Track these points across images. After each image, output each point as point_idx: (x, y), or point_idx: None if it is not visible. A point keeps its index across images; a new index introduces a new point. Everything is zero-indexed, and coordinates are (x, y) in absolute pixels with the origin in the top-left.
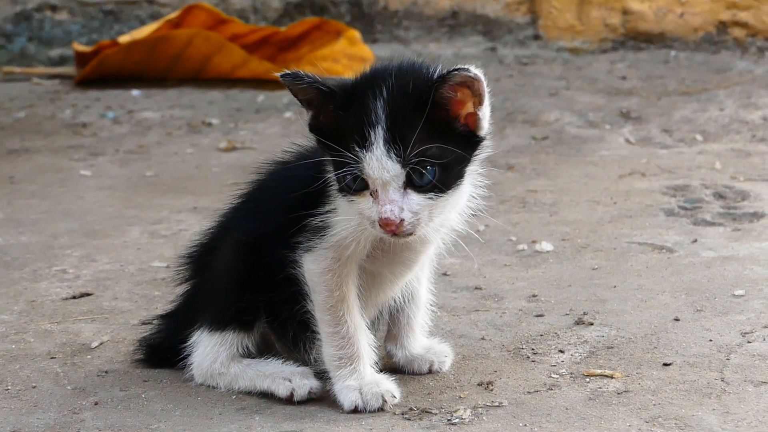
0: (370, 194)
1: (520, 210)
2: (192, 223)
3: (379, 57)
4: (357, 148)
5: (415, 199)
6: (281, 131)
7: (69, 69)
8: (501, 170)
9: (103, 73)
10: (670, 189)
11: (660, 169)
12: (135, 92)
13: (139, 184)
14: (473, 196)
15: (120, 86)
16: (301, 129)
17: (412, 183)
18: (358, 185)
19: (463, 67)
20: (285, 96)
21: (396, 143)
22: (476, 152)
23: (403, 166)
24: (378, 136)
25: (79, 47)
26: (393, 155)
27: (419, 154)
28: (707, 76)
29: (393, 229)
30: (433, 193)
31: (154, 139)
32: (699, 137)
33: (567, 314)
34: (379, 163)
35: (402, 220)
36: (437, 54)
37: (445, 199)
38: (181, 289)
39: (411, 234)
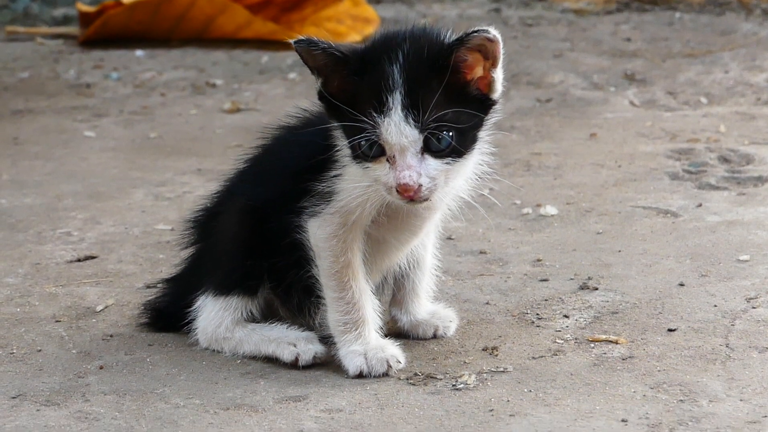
0: (387, 160)
1: (525, 173)
2: (196, 185)
3: (383, 18)
4: (374, 114)
5: (433, 164)
6: (285, 92)
7: (73, 29)
8: (505, 133)
9: (106, 33)
10: (675, 152)
11: (664, 132)
12: (139, 53)
13: (143, 145)
14: (479, 163)
15: (124, 46)
16: (306, 90)
17: (430, 148)
18: (375, 152)
19: (482, 28)
20: (289, 57)
21: (414, 108)
22: (489, 116)
23: (421, 131)
24: (396, 101)
25: (83, 7)
26: (411, 120)
27: (437, 119)
28: (712, 38)
29: (411, 195)
30: (450, 158)
31: (158, 100)
32: (704, 100)
33: (572, 279)
34: (398, 128)
35: (420, 186)
36: (441, 15)
37: (461, 163)
38: (186, 254)
39: (427, 200)
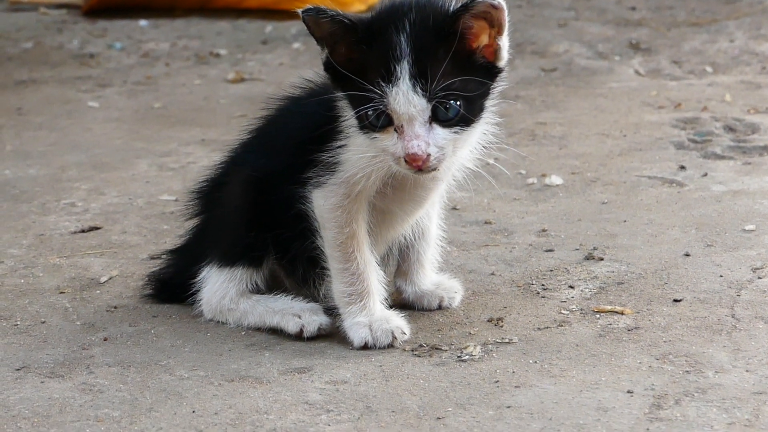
0: (395, 130)
1: (530, 143)
2: (200, 155)
3: None
4: (382, 83)
5: (441, 133)
6: (290, 62)
7: None
8: (510, 101)
9: (110, 3)
10: (680, 122)
11: (670, 101)
12: (142, 22)
13: (146, 116)
14: (484, 132)
15: (127, 16)
16: (310, 60)
17: (438, 117)
18: (382, 122)
19: None
20: (293, 26)
21: (421, 77)
22: (496, 84)
23: (429, 100)
24: (404, 70)
25: None
26: (419, 89)
27: (445, 87)
28: (717, 7)
29: (419, 164)
30: (458, 127)
31: (162, 70)
32: (709, 69)
33: (577, 249)
34: (406, 97)
35: (428, 156)
36: None
37: (468, 132)
38: (191, 224)
39: (435, 169)
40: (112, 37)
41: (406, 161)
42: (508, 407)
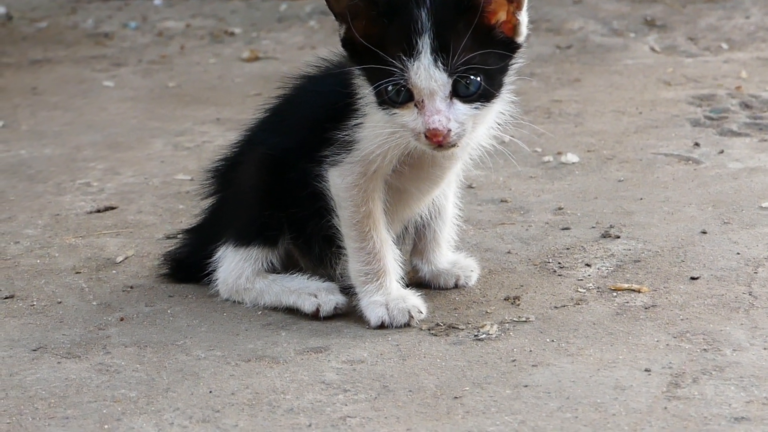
0: (415, 105)
1: (545, 120)
2: (215, 134)
3: None
4: (403, 57)
5: (462, 108)
6: (304, 40)
7: None
8: (526, 78)
9: None
10: (696, 98)
11: (685, 78)
12: (157, 1)
13: (161, 95)
14: (501, 112)
15: None
16: (325, 38)
17: (458, 92)
18: (402, 97)
19: None
20: (308, 4)
21: (443, 52)
22: (514, 60)
23: (450, 74)
24: (425, 44)
25: None
26: (440, 64)
27: (465, 62)
28: None
29: (440, 139)
30: (478, 103)
31: (177, 49)
32: (724, 45)
33: (593, 227)
34: (427, 72)
35: (449, 131)
36: None
37: (488, 108)
38: (206, 204)
39: (455, 145)
40: (126, 16)
41: (426, 137)
42: (526, 386)
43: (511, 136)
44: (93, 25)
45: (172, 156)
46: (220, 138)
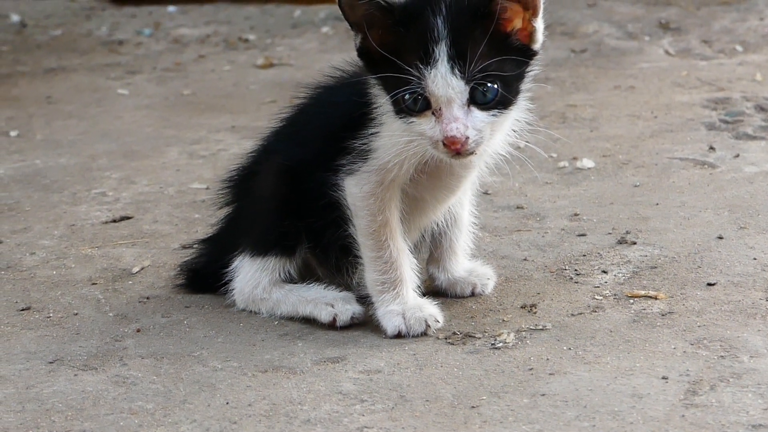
0: (432, 113)
1: (560, 125)
2: (230, 142)
3: None
4: (420, 65)
5: (479, 116)
6: (319, 47)
7: None
8: (541, 84)
9: None
10: (711, 102)
11: (700, 81)
12: (171, 8)
13: (176, 102)
14: (517, 119)
15: (155, 2)
16: (339, 44)
17: (476, 100)
18: (420, 105)
19: None
20: (322, 11)
21: (460, 59)
22: (530, 67)
23: (467, 82)
24: (442, 52)
25: None
26: (457, 71)
27: (482, 69)
28: None
29: (458, 147)
30: (496, 110)
31: (191, 56)
32: (739, 48)
33: (609, 233)
34: (444, 79)
35: (467, 138)
36: None
37: (505, 115)
38: (222, 213)
39: (473, 153)
40: (140, 24)
41: (444, 144)
42: (543, 395)
43: (527, 142)
44: (107, 33)
45: (187, 164)
46: (235, 146)
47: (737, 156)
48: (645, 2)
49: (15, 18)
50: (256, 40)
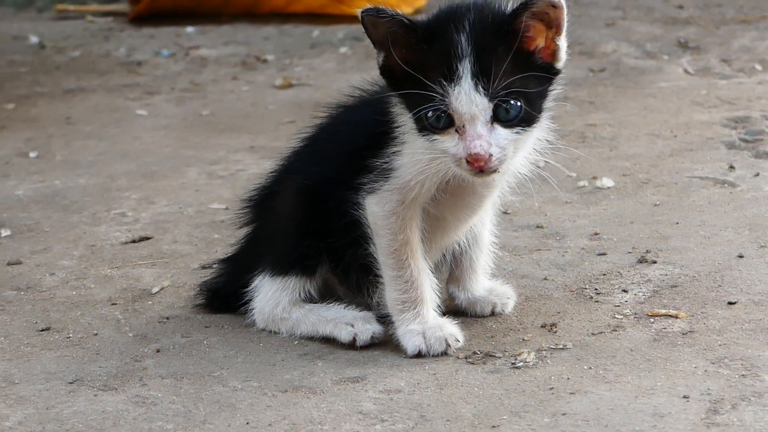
0: (456, 131)
1: (580, 144)
2: (249, 162)
3: None
4: (444, 82)
5: (503, 133)
6: (337, 67)
7: (123, 6)
8: (560, 103)
9: (156, 9)
10: (731, 121)
11: (720, 100)
12: (189, 29)
13: (195, 123)
14: (538, 138)
15: (174, 23)
16: (358, 64)
17: (499, 117)
18: (443, 123)
19: None
20: (340, 31)
21: (483, 76)
22: (553, 86)
23: (491, 99)
24: (465, 69)
25: None
26: (480, 89)
27: (506, 86)
28: (765, 3)
29: (481, 165)
30: (519, 128)
31: (210, 76)
32: (758, 66)
33: (629, 252)
34: (468, 96)
35: (490, 156)
36: None
37: (529, 133)
38: (242, 233)
39: (496, 171)
40: (159, 44)
41: (467, 162)
42: (564, 414)
43: (546, 161)
44: (126, 54)
45: (206, 185)
46: (254, 166)
47: (757, 175)
48: (663, 21)
49: (34, 39)
50: (274, 60)
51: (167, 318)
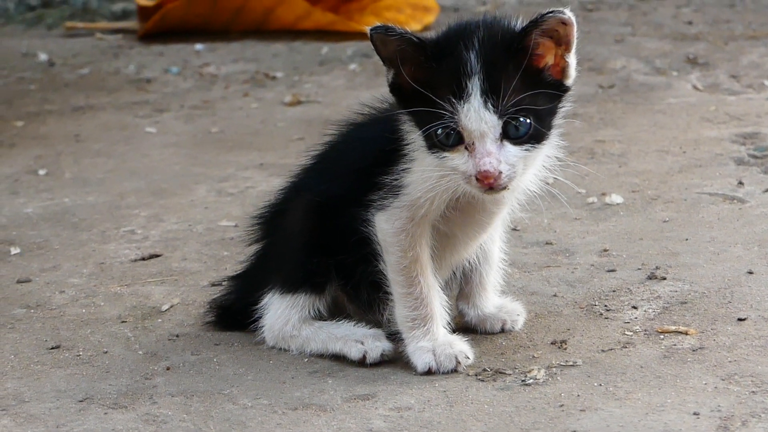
0: (465, 148)
1: (589, 161)
2: (259, 180)
3: (443, 6)
4: (453, 100)
5: (512, 150)
6: (346, 84)
7: (132, 23)
8: (569, 120)
9: (165, 27)
10: (740, 137)
11: (728, 116)
12: (198, 46)
13: (204, 140)
14: (548, 155)
15: (183, 40)
16: (367, 81)
17: (508, 134)
18: (453, 140)
19: (556, 9)
20: (349, 47)
21: (493, 94)
22: (563, 103)
23: (500, 116)
24: (475, 86)
25: (142, 1)
26: (490, 106)
27: (516, 104)
28: None
29: (491, 182)
30: (528, 145)
31: (219, 93)
32: (767, 82)
33: (639, 269)
34: (477, 114)
35: (500, 173)
36: (501, 1)
37: (538, 150)
38: (252, 250)
39: (506, 188)
40: (168, 62)
41: (477, 179)
42: (574, 431)
43: (555, 177)
44: (135, 71)
45: (215, 202)
46: (263, 183)
47: (766, 191)
48: (672, 37)
49: (43, 57)
50: (283, 77)
51: (177, 336)
